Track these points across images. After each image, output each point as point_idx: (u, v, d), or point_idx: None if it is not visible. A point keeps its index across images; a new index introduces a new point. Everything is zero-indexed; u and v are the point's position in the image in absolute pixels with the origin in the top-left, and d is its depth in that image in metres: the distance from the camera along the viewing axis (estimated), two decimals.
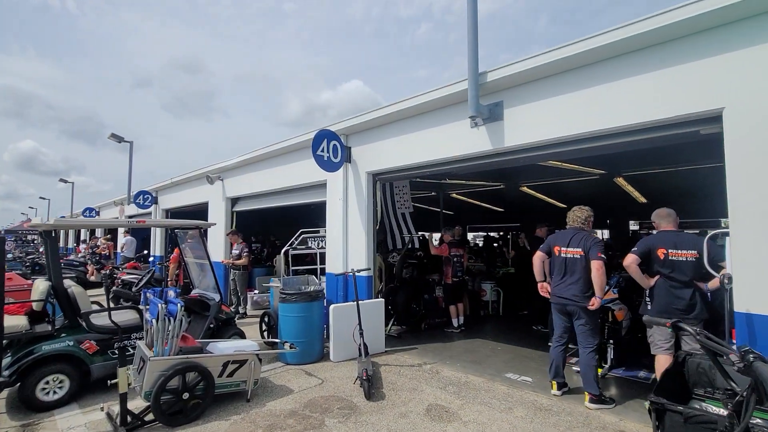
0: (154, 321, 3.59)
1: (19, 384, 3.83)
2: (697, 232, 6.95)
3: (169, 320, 3.61)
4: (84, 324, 4.25)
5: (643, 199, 11.37)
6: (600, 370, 4.65)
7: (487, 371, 4.90)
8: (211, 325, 5.05)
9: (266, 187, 8.20)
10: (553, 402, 4.00)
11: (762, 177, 2.93)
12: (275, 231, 13.87)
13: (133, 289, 7.22)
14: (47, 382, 3.95)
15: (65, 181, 25.74)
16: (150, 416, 3.54)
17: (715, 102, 3.14)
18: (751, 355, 1.83)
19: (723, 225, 3.38)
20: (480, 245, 13.84)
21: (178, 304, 3.67)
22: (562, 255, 4.01)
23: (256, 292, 8.98)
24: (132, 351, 4.09)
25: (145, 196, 12.76)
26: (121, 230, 16.13)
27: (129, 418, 3.43)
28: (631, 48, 3.51)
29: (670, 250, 3.64)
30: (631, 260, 3.70)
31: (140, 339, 4.12)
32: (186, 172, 10.86)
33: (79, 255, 17.26)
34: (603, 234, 16.40)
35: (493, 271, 9.71)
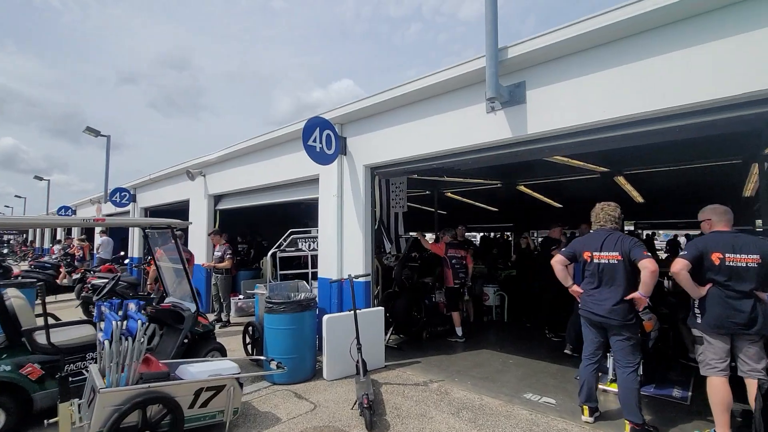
0: (107, 342, 2.91)
1: None
2: (760, 231, 6.34)
3: (128, 340, 2.93)
4: (27, 343, 3.53)
5: (640, 199, 10.99)
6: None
7: (503, 391, 4.31)
8: (186, 340, 4.36)
9: (252, 183, 7.50)
10: None
11: None
12: (264, 231, 13.12)
13: (94, 298, 6.44)
14: None
15: (41, 179, 24.55)
16: None
17: None
18: None
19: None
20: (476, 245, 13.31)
21: (139, 320, 3.00)
22: (595, 261, 3.42)
23: (241, 297, 8.26)
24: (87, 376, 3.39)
25: (122, 194, 11.91)
26: (97, 230, 15.19)
27: None
28: (690, 12, 2.95)
29: (727, 255, 3.09)
30: (681, 266, 3.14)
31: (95, 361, 3.43)
32: (166, 167, 10.07)
33: (53, 256, 16.25)
34: None
35: (495, 273, 9.17)
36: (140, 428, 2.90)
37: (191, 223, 4.80)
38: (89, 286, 7.98)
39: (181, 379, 3.26)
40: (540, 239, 13.53)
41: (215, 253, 7.54)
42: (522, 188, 10.13)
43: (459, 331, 6.30)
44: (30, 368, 3.42)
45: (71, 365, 3.69)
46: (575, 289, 3.61)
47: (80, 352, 3.76)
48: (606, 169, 7.88)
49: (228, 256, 7.30)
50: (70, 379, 3.35)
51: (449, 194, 11.45)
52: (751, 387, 3.07)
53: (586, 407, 3.56)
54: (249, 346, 5.40)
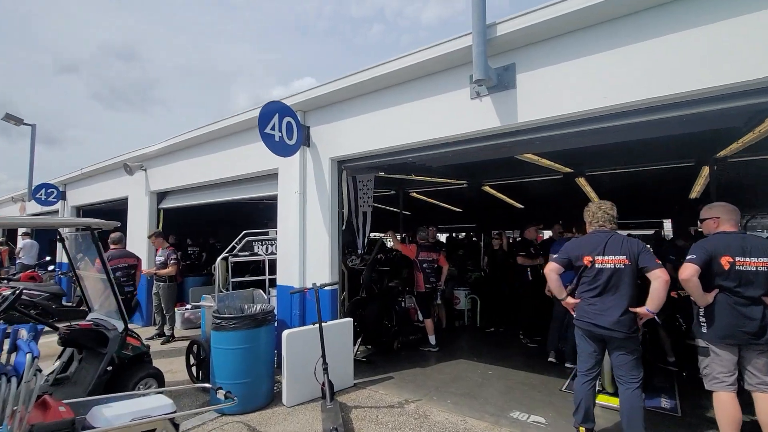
0: None
1: None
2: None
3: (11, 382, 2.16)
4: None
5: (597, 200, 11.19)
6: (615, 399, 3.81)
7: (487, 409, 3.87)
8: (110, 368, 3.55)
9: (202, 179, 6.64)
10: None
11: None
12: (219, 232, 12.05)
13: None
14: None
15: None
16: None
17: None
18: None
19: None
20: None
21: (28, 354, 2.23)
22: (597, 266, 3.04)
23: (188, 306, 7.34)
24: None
25: (49, 191, 10.40)
26: (20, 231, 13.33)
27: None
28: None
29: (737, 258, 2.80)
30: (691, 272, 2.82)
31: None
32: (100, 160, 8.86)
33: None
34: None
35: (465, 276, 8.84)
36: None
37: (119, 224, 3.96)
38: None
39: (93, 427, 2.49)
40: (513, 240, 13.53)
41: (157, 258, 6.60)
42: (487, 188, 9.96)
43: (432, 339, 5.84)
44: None
45: None
46: (570, 301, 3.22)
47: None
48: (570, 169, 7.79)
49: (172, 261, 6.39)
50: None
51: (414, 194, 11.09)
52: (760, 401, 2.81)
53: (583, 429, 3.18)
54: (194, 368, 4.61)
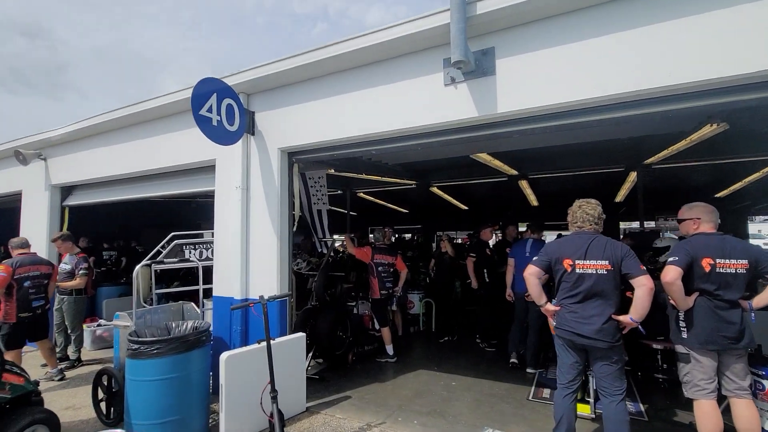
0: None
1: None
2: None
3: None
4: None
5: (536, 203, 11.62)
6: (587, 409, 3.68)
7: (458, 429, 3.52)
8: None
9: (119, 171, 5.57)
10: None
11: None
12: (143, 235, 10.58)
13: None
14: None
15: None
16: None
17: None
18: None
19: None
20: None
21: None
22: (578, 271, 2.81)
23: (101, 322, 6.18)
24: None
25: None
26: None
27: None
28: None
29: (718, 260, 2.72)
30: (675, 275, 2.68)
31: None
32: None
33: None
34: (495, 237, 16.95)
35: (417, 279, 8.56)
36: None
37: None
38: None
39: None
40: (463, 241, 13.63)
41: (62, 266, 5.41)
42: (434, 189, 9.83)
43: (390, 349, 5.42)
44: None
45: None
46: (550, 308, 2.97)
47: None
48: (516, 172, 7.86)
49: (81, 272, 5.25)
50: None
51: (361, 194, 10.66)
52: (738, 408, 2.75)
53: None
54: (103, 404, 3.70)
